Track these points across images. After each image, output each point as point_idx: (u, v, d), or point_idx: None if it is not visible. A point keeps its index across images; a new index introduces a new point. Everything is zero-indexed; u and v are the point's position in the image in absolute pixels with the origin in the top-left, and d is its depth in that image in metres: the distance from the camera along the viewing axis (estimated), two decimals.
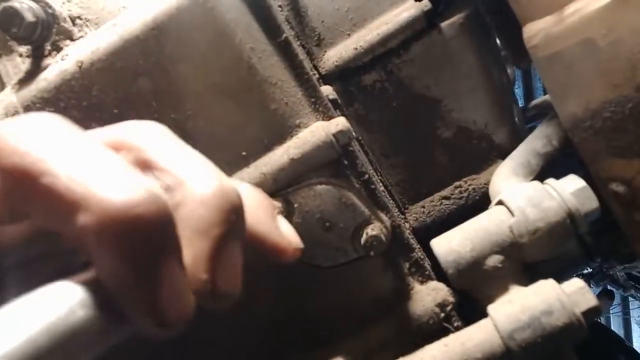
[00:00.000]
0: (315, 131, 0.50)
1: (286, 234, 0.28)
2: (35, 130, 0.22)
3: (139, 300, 0.20)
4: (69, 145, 0.22)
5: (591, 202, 0.48)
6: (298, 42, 0.57)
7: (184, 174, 0.23)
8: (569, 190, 0.48)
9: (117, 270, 0.20)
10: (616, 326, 3.82)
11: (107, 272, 0.20)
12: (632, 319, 3.81)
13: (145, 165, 0.23)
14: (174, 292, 0.20)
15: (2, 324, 0.18)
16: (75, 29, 0.53)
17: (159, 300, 0.20)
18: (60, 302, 0.20)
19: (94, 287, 0.21)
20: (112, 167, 0.21)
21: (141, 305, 0.20)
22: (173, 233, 0.21)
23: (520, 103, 0.91)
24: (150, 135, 0.25)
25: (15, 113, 0.51)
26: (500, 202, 0.51)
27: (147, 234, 0.20)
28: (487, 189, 0.57)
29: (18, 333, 0.18)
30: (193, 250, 0.22)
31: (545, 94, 1.10)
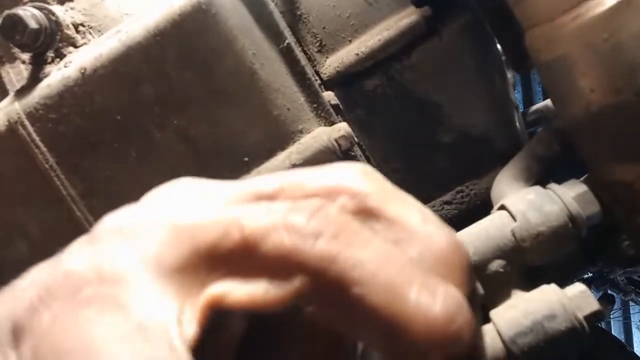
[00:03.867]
0: (317, 136, 0.50)
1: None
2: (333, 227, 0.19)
3: None
4: (359, 240, 0.19)
5: (592, 206, 0.48)
6: (300, 48, 0.57)
7: (416, 226, 0.21)
8: (571, 195, 0.48)
9: None
10: (617, 331, 3.81)
11: None
12: (632, 323, 3.81)
13: (369, 214, 0.21)
14: None
15: None
16: (78, 36, 0.54)
17: None
18: None
19: None
20: (412, 272, 0.19)
21: None
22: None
23: (520, 108, 0.91)
24: (372, 180, 0.22)
25: (18, 120, 0.52)
26: (502, 207, 0.51)
27: (471, 353, 0.19)
28: (489, 193, 0.58)
29: None
30: None
31: (545, 98, 1.10)
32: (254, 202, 0.21)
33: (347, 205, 0.21)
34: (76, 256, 0.20)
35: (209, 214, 0.20)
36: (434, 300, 0.18)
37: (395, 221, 0.21)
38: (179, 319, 0.19)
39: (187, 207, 0.21)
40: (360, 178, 0.22)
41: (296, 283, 0.19)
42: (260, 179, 0.22)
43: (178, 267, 0.19)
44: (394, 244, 0.20)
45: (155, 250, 0.20)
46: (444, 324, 0.18)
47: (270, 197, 0.21)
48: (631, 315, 3.74)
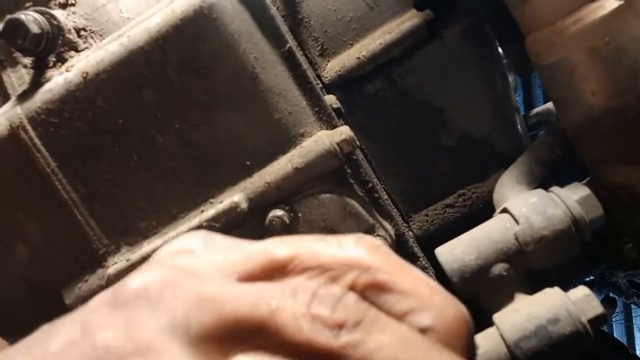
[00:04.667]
0: (319, 140, 0.50)
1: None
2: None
3: None
4: (378, 326, 0.21)
5: (596, 210, 0.48)
6: (301, 52, 0.57)
7: (427, 298, 0.23)
8: (574, 198, 0.48)
9: None
10: (619, 334, 3.79)
11: None
12: (634, 326, 3.79)
13: (381, 288, 0.23)
14: None
15: None
16: (80, 41, 0.54)
17: None
18: None
19: None
20: (427, 353, 0.21)
21: None
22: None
23: (521, 111, 0.91)
24: (381, 254, 0.24)
25: (20, 124, 0.51)
26: (504, 210, 0.50)
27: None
28: (491, 197, 0.57)
29: None
30: None
31: (545, 102, 1.10)
32: (270, 274, 0.23)
33: (360, 280, 0.23)
34: (108, 327, 0.21)
35: (232, 287, 0.22)
36: None
37: (406, 293, 0.23)
38: None
39: (209, 274, 0.22)
40: (371, 252, 0.24)
41: None
42: (273, 245, 0.24)
43: (204, 336, 0.21)
44: (408, 315, 0.22)
45: (182, 318, 0.21)
46: None
47: (285, 267, 0.23)
48: (633, 318, 3.72)
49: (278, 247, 0.23)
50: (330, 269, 0.23)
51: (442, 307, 0.22)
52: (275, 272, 0.23)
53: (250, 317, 0.21)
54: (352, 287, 0.22)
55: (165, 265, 0.23)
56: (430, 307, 0.22)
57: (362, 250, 0.23)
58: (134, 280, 0.22)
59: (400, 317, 0.22)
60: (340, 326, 0.20)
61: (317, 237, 0.24)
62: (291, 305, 0.21)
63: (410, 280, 0.23)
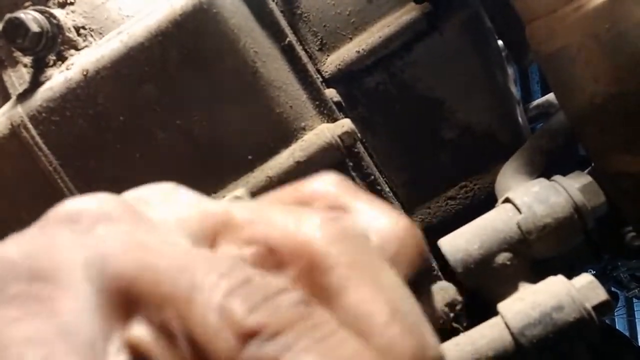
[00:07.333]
0: (320, 133, 0.50)
1: None
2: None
3: None
4: (304, 344, 0.16)
5: (598, 197, 0.48)
6: (300, 47, 0.57)
7: (376, 212, 0.22)
8: (576, 186, 0.48)
9: None
10: (621, 328, 3.80)
11: None
12: (637, 320, 3.80)
13: (341, 208, 0.22)
14: None
15: None
16: (79, 39, 0.54)
17: None
18: None
19: None
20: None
21: None
22: None
23: None
24: (338, 183, 0.23)
25: (21, 123, 0.51)
26: (507, 200, 0.51)
27: None
28: (493, 188, 0.57)
29: None
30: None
31: (543, 95, 1.10)
32: (215, 237, 0.19)
33: (306, 278, 0.18)
34: (18, 239, 0.18)
35: (170, 244, 0.18)
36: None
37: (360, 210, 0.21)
38: (106, 345, 0.16)
39: (156, 225, 0.19)
40: (333, 242, 0.19)
41: None
42: (234, 207, 0.20)
43: (116, 286, 0.17)
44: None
45: (102, 259, 0.17)
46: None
47: (237, 231, 0.19)
48: (635, 312, 3.73)
49: (239, 210, 0.20)
50: (278, 251, 0.19)
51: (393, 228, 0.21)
52: (223, 235, 0.19)
53: (169, 286, 0.17)
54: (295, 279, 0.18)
55: (113, 199, 0.20)
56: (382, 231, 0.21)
57: (322, 237, 0.19)
58: (73, 202, 0.19)
59: None
60: (249, 334, 0.16)
61: (285, 208, 0.21)
62: (211, 288, 0.17)
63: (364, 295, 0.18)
